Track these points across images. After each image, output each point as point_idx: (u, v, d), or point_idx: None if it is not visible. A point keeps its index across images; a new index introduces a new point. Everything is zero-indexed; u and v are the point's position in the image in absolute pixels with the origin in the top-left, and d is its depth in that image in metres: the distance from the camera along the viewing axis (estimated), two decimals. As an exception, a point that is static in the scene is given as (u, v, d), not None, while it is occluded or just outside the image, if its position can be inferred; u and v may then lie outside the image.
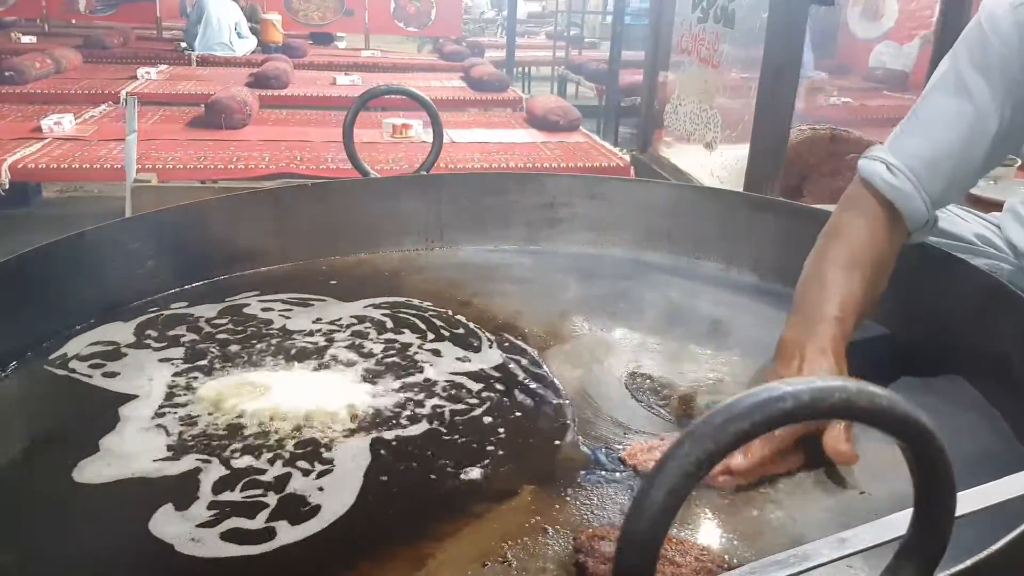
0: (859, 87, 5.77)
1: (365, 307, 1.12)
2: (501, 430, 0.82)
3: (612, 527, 0.65)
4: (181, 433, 0.80)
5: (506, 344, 1.01)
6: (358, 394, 0.87)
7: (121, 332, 1.02)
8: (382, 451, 0.78)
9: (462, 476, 0.74)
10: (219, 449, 0.77)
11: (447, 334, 1.03)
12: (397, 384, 0.90)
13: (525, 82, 8.64)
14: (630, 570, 0.34)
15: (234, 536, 0.66)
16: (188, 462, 0.75)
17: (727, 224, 1.27)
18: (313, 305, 1.13)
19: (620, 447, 0.79)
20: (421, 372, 0.93)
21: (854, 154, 1.72)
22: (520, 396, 0.89)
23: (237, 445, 0.78)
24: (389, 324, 1.06)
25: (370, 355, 0.97)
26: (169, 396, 0.87)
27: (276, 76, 5.06)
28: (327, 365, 0.95)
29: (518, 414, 0.85)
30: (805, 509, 0.72)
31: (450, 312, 1.10)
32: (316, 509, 0.69)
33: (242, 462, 0.75)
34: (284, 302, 1.13)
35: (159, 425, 0.81)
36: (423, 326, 1.05)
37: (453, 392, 0.89)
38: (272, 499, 0.70)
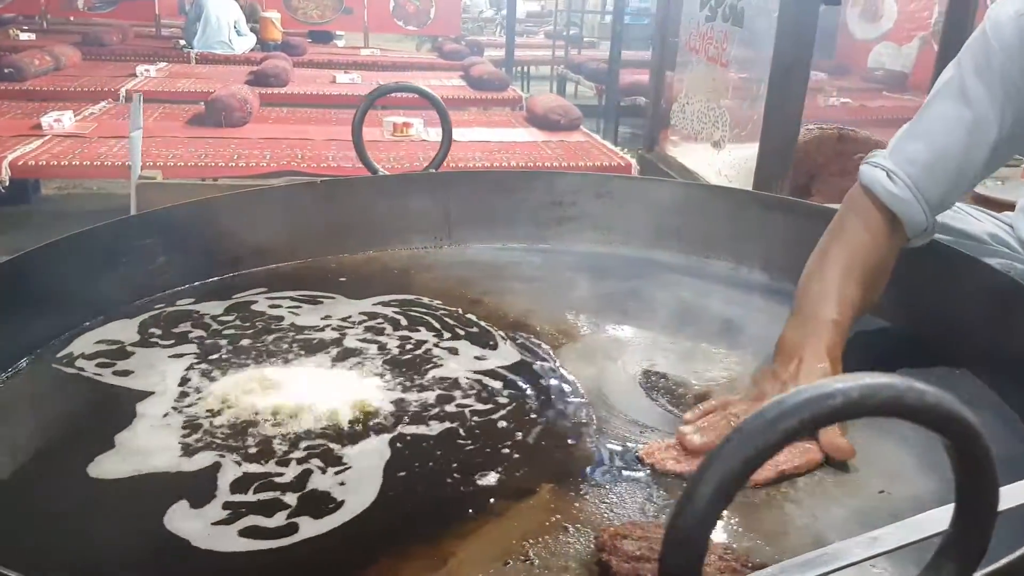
0: (858, 88, 5.78)
1: (375, 305, 1.11)
2: (518, 429, 0.82)
3: (634, 525, 0.65)
4: (196, 429, 0.79)
5: (520, 343, 1.01)
6: (373, 391, 0.86)
7: (128, 330, 1.01)
8: (399, 449, 0.77)
9: (480, 474, 0.74)
10: (234, 446, 0.77)
11: (462, 332, 1.03)
12: (413, 382, 0.90)
13: (524, 81, 8.63)
14: (675, 569, 0.34)
15: (252, 532, 0.65)
16: (203, 459, 0.75)
17: (737, 223, 1.26)
18: (323, 303, 1.12)
19: (636, 445, 0.79)
20: (437, 370, 0.93)
21: (861, 153, 1.72)
22: (536, 395, 0.88)
23: (252, 442, 0.77)
24: (402, 322, 1.05)
25: (384, 352, 0.97)
26: (183, 393, 0.86)
27: (276, 74, 5.05)
28: (340, 362, 0.94)
29: (535, 413, 0.85)
30: (826, 508, 0.71)
31: (461, 311, 1.10)
32: (335, 507, 0.68)
33: (258, 459, 0.75)
34: (293, 299, 1.12)
35: (173, 421, 0.81)
36: (437, 324, 1.05)
37: (469, 390, 0.89)
38: (290, 496, 0.70)
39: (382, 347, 0.98)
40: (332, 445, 0.77)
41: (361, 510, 0.68)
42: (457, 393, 0.88)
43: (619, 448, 0.79)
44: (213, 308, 1.08)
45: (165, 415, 0.82)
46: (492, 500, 0.70)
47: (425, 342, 1.00)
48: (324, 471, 0.73)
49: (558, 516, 0.69)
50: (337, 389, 0.85)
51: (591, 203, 1.34)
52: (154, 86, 4.85)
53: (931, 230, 0.93)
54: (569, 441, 0.80)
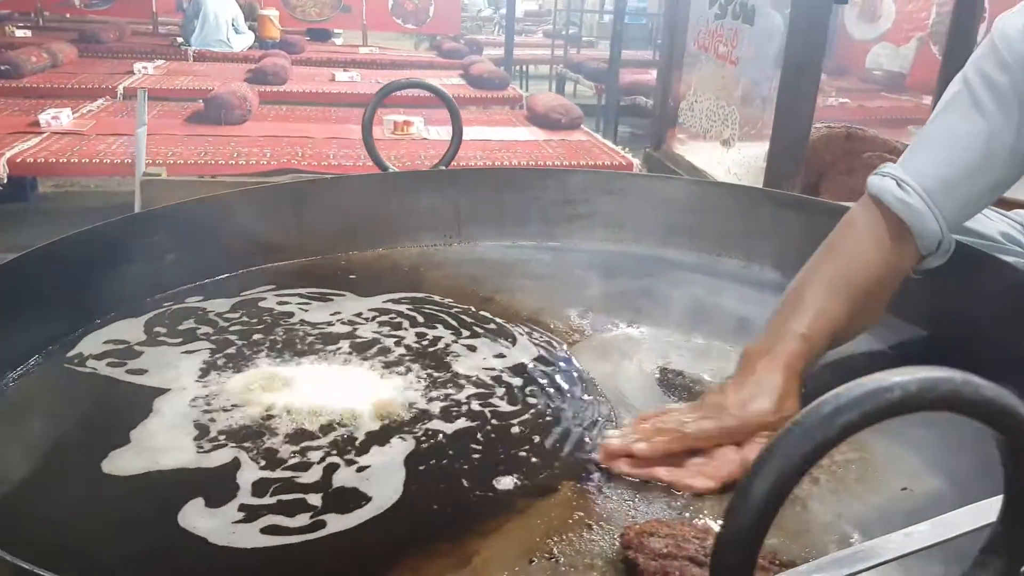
0: (856, 88, 5.80)
1: (385, 302, 1.11)
2: (538, 427, 0.81)
3: (660, 523, 0.64)
4: (211, 427, 0.79)
5: (536, 340, 1.00)
6: (390, 389, 0.86)
7: (137, 328, 1.00)
8: (419, 447, 0.77)
9: (501, 472, 0.73)
10: (251, 444, 0.76)
11: (480, 330, 1.02)
12: (430, 379, 0.89)
13: (523, 81, 8.63)
14: (729, 567, 0.33)
15: (271, 530, 0.65)
16: (220, 456, 0.74)
17: (748, 221, 1.26)
18: (333, 300, 1.12)
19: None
20: (455, 367, 0.92)
21: (870, 152, 1.73)
22: (555, 392, 0.88)
23: (268, 439, 0.77)
24: (415, 319, 1.05)
25: (399, 350, 0.96)
26: (198, 390, 0.85)
27: (274, 72, 5.04)
28: (356, 360, 0.94)
29: (554, 411, 0.84)
30: (848, 506, 0.71)
31: (473, 308, 1.09)
32: (356, 506, 0.68)
33: (275, 456, 0.74)
34: (303, 296, 1.12)
35: (189, 419, 0.80)
36: (453, 322, 1.04)
37: (487, 387, 0.88)
38: (310, 495, 0.69)
39: (398, 344, 0.97)
40: (351, 444, 0.77)
41: (383, 509, 0.68)
42: (476, 391, 0.87)
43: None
44: (224, 305, 1.08)
45: (180, 412, 0.81)
46: (514, 498, 0.70)
47: (441, 338, 0.99)
48: (344, 470, 0.73)
49: (581, 514, 0.68)
50: (355, 387, 0.85)
51: (602, 201, 1.34)
52: (152, 84, 4.83)
53: (947, 247, 0.88)
54: (590, 439, 0.79)
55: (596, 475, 0.74)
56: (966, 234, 1.13)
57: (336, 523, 0.66)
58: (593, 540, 0.65)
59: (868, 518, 0.70)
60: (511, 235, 1.34)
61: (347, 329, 1.02)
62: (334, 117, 4.26)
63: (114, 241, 1.05)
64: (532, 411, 0.84)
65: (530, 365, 0.94)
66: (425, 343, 0.98)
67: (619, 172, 1.46)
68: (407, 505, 0.69)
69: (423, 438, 0.78)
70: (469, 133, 3.86)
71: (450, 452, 0.76)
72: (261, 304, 1.09)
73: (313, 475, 0.72)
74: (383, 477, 0.72)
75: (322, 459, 0.74)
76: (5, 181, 3.12)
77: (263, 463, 0.73)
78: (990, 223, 1.17)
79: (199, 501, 0.68)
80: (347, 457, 0.74)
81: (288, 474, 0.72)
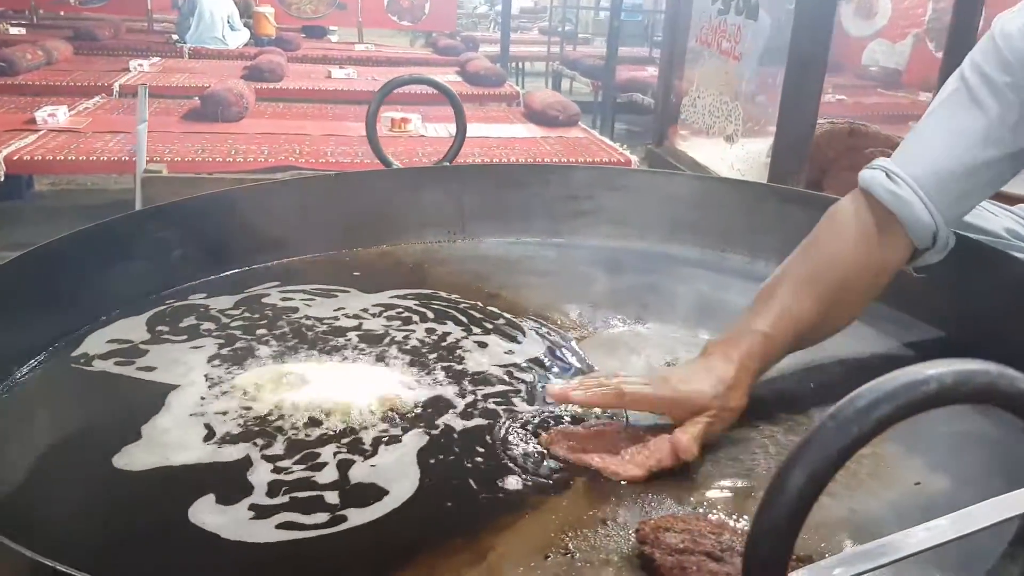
0: (852, 84, 5.79)
1: (391, 297, 1.10)
2: (550, 422, 0.81)
3: (675, 518, 0.64)
4: (221, 423, 0.78)
5: (544, 337, 1.00)
6: (401, 385, 0.85)
7: (139, 326, 1.00)
8: (432, 443, 0.77)
9: (515, 468, 0.73)
10: (262, 440, 0.76)
11: (489, 326, 1.02)
12: (441, 375, 0.89)
13: (519, 78, 8.62)
14: (763, 561, 0.33)
15: (285, 526, 0.64)
16: (231, 452, 0.74)
17: (753, 216, 1.26)
18: (337, 296, 1.11)
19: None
20: (465, 363, 0.92)
21: (872, 148, 1.73)
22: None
23: (280, 436, 0.76)
24: (425, 315, 1.05)
25: (408, 345, 0.96)
26: (207, 387, 0.85)
27: (271, 69, 5.01)
28: (366, 355, 0.93)
29: (565, 405, 0.84)
30: (862, 500, 0.71)
31: (480, 304, 1.09)
32: (371, 503, 0.68)
33: (286, 453, 0.74)
34: (308, 293, 1.11)
35: (199, 415, 0.80)
36: (462, 317, 1.04)
37: (497, 383, 0.88)
38: (322, 491, 0.69)
39: (408, 339, 0.97)
40: (363, 440, 0.76)
41: (397, 506, 0.68)
42: (487, 386, 0.87)
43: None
44: (229, 302, 1.07)
45: (190, 408, 0.81)
46: (527, 494, 0.70)
47: (451, 334, 0.99)
48: (357, 467, 0.72)
49: (595, 510, 0.68)
50: (364, 382, 0.84)
51: (605, 197, 1.34)
52: (148, 81, 4.79)
53: (945, 241, 0.86)
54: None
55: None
56: (970, 230, 1.13)
57: (349, 522, 0.65)
58: (608, 536, 0.65)
59: (882, 513, 0.70)
60: (515, 231, 1.34)
61: (353, 323, 1.01)
62: (331, 114, 4.24)
63: (118, 238, 1.04)
64: (543, 407, 0.84)
65: (540, 360, 0.94)
66: (435, 338, 0.98)
67: (623, 168, 1.46)
68: (421, 502, 0.68)
69: (435, 434, 0.78)
70: (468, 130, 3.87)
71: (463, 448, 0.76)
72: (266, 300, 1.09)
73: (323, 472, 0.71)
74: (396, 475, 0.71)
75: (332, 456, 0.74)
76: (2, 179, 3.10)
77: (274, 459, 0.73)
78: (994, 219, 1.17)
79: (210, 497, 0.68)
80: (359, 455, 0.74)
81: (299, 469, 0.71)
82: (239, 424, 0.78)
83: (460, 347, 0.96)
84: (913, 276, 0.91)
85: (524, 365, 0.93)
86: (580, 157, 3.48)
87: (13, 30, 6.62)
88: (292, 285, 1.14)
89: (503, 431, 0.79)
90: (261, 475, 0.71)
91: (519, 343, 0.98)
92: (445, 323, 1.02)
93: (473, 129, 3.90)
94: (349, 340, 0.97)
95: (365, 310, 1.06)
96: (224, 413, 0.80)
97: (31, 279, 0.90)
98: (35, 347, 0.91)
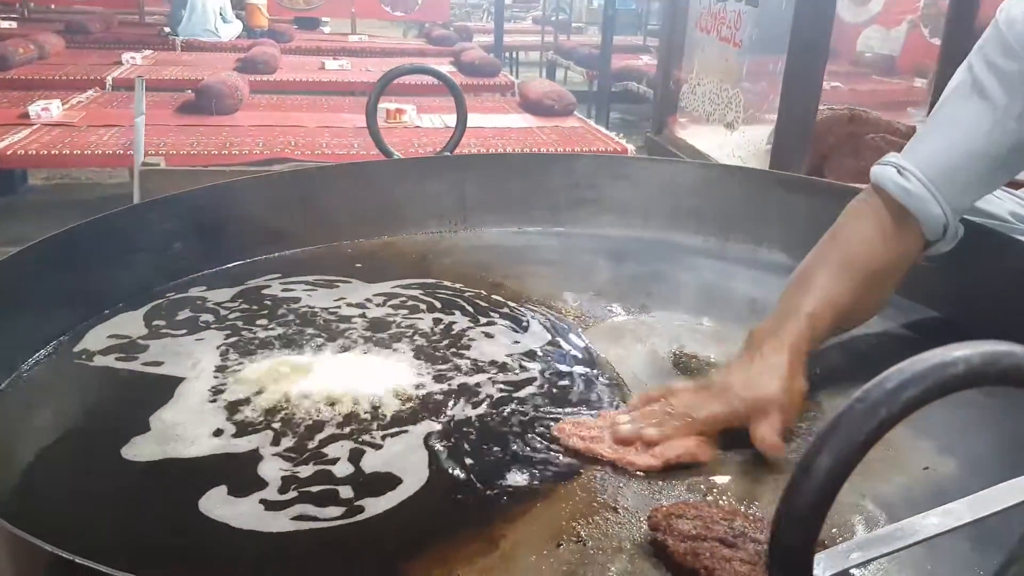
0: (847, 71, 5.78)
1: (394, 287, 1.10)
2: (558, 410, 0.81)
3: (687, 505, 0.64)
4: (230, 414, 0.78)
5: (550, 325, 1.00)
6: (408, 375, 0.85)
7: (140, 320, 0.99)
8: (441, 433, 0.76)
9: (524, 457, 0.73)
10: (272, 431, 0.75)
11: (495, 314, 1.02)
12: (449, 363, 0.89)
13: (513, 67, 8.59)
14: (789, 545, 0.33)
15: (300, 518, 0.64)
16: (241, 443, 0.74)
17: (756, 203, 1.26)
18: (339, 286, 1.11)
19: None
20: (472, 352, 0.92)
21: (873, 134, 1.73)
22: (574, 376, 0.88)
23: (290, 426, 0.76)
24: (429, 305, 1.04)
25: (413, 334, 0.95)
26: (215, 379, 0.85)
27: (264, 61, 4.99)
28: (373, 346, 0.93)
29: (574, 395, 0.84)
30: (872, 485, 0.71)
31: (484, 293, 1.09)
32: (382, 493, 0.67)
33: (297, 443, 0.73)
34: (310, 284, 1.11)
35: (207, 406, 0.79)
36: (468, 307, 1.04)
37: (506, 372, 0.88)
38: (332, 482, 0.69)
39: (414, 328, 0.97)
40: (373, 430, 0.76)
41: (408, 496, 0.67)
42: (495, 375, 0.87)
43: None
44: (231, 295, 1.07)
45: (198, 400, 0.81)
46: (537, 482, 0.70)
47: (456, 323, 0.99)
48: (369, 456, 0.72)
49: (605, 497, 0.68)
50: (374, 372, 0.84)
51: (608, 185, 1.33)
52: (140, 74, 4.77)
53: (954, 232, 0.88)
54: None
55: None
56: (975, 214, 1.13)
57: (360, 513, 0.65)
58: (620, 523, 0.65)
59: (892, 497, 0.70)
60: (517, 221, 1.34)
61: (357, 312, 1.01)
62: (325, 106, 4.22)
63: (119, 231, 1.03)
64: (551, 396, 0.84)
65: (547, 349, 0.94)
66: (442, 328, 0.98)
67: (625, 156, 1.46)
68: (432, 491, 0.68)
69: (445, 422, 0.78)
70: (464, 120, 3.86)
71: (473, 437, 0.76)
72: (266, 292, 1.08)
73: (333, 463, 0.71)
74: (407, 465, 0.71)
75: (341, 447, 0.73)
76: (-4, 174, 3.09)
77: (286, 449, 0.73)
78: (999, 203, 1.17)
79: (222, 488, 0.67)
80: (369, 445, 0.74)
81: (311, 459, 0.71)
82: (249, 415, 0.78)
83: (467, 336, 0.96)
84: (925, 265, 0.91)
85: (537, 352, 0.93)
86: (576, 146, 3.47)
87: (4, 24, 6.58)
88: (293, 276, 1.13)
89: (513, 419, 0.79)
90: (273, 466, 0.70)
91: (525, 332, 0.98)
92: (451, 312, 1.02)
93: (469, 119, 3.90)
94: (355, 328, 0.97)
95: (369, 300, 1.06)
96: (233, 404, 0.80)
97: (35, 274, 0.89)
98: (39, 341, 0.90)
